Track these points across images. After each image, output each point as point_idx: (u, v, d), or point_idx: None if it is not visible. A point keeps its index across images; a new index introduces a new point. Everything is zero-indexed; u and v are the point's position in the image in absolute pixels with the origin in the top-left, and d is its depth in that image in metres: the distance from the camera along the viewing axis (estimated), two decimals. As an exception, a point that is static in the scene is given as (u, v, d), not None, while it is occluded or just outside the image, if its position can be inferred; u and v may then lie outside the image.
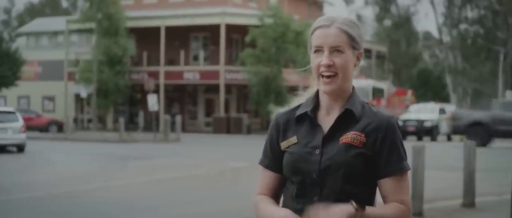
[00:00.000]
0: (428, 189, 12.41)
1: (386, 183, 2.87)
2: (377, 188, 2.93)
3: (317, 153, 2.87)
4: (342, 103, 2.93)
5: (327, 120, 2.93)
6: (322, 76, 2.89)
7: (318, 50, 2.91)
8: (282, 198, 3.04)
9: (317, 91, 2.99)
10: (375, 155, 2.86)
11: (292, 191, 2.91)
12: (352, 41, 2.90)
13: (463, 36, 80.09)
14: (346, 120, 2.90)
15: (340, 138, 2.87)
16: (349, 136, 2.86)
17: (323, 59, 2.87)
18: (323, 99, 2.96)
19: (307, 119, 2.96)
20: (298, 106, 3.03)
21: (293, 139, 2.94)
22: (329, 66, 2.87)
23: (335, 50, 2.87)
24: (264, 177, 3.05)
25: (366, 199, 2.88)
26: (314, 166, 2.85)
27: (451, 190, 14.74)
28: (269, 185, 3.03)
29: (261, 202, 2.99)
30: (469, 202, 12.58)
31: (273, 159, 3.03)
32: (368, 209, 2.77)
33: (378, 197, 2.94)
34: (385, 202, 2.88)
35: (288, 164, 2.93)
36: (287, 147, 2.95)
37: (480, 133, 31.52)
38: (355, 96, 2.95)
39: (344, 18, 2.93)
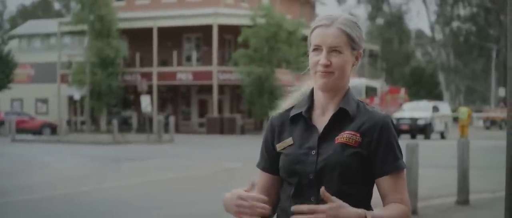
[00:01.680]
0: (422, 187, 12.44)
1: (384, 182, 2.88)
2: (374, 188, 2.94)
3: (313, 153, 2.87)
4: (337, 102, 2.93)
5: (322, 119, 2.93)
6: (319, 73, 2.89)
7: (317, 48, 2.91)
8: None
9: (312, 91, 3.00)
10: (370, 154, 2.86)
11: (289, 191, 2.92)
12: (352, 42, 2.89)
13: (456, 34, 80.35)
14: (340, 119, 2.90)
15: (336, 138, 2.87)
16: (344, 136, 2.86)
17: (321, 58, 2.87)
18: (318, 98, 2.96)
19: (301, 119, 2.96)
20: (292, 107, 3.03)
21: (289, 140, 2.95)
22: (326, 66, 2.86)
23: (334, 50, 2.87)
24: (261, 179, 3.07)
25: (362, 199, 2.88)
26: (311, 167, 2.86)
27: (445, 188, 14.79)
28: (264, 186, 3.04)
29: None
30: (463, 199, 12.62)
31: (269, 161, 3.03)
32: (376, 213, 2.78)
33: (376, 197, 2.94)
34: (384, 202, 2.88)
35: (284, 165, 2.93)
36: (283, 149, 2.95)
37: None
38: (349, 95, 2.95)
39: (345, 18, 2.92)
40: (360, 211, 2.71)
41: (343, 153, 2.83)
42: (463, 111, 42.60)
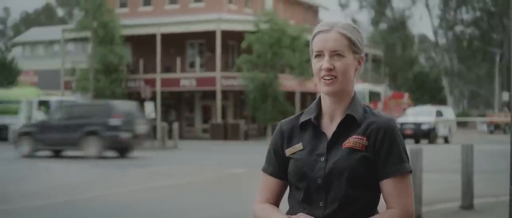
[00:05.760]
0: (426, 192, 12.45)
1: (386, 185, 2.90)
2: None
3: (322, 160, 2.90)
4: (344, 108, 2.96)
5: (330, 126, 2.97)
6: (323, 78, 2.92)
7: (319, 54, 2.94)
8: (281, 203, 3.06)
9: (319, 99, 3.02)
10: (375, 156, 2.89)
11: (298, 196, 2.94)
12: (353, 45, 2.93)
13: (459, 38, 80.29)
14: (348, 125, 2.93)
15: (343, 143, 2.90)
16: (351, 140, 2.89)
17: (324, 63, 2.90)
18: (325, 105, 2.99)
19: (310, 126, 2.99)
20: (301, 114, 3.06)
21: (299, 146, 2.97)
22: (329, 70, 2.90)
23: (336, 54, 2.91)
24: (267, 184, 3.08)
25: (369, 203, 2.90)
26: (320, 172, 2.88)
27: (449, 192, 14.77)
28: (273, 192, 3.07)
29: (265, 210, 3.02)
30: (467, 204, 12.61)
31: (277, 165, 3.05)
32: None
33: (382, 201, 2.96)
34: (387, 205, 2.90)
35: (293, 170, 2.96)
36: (293, 154, 2.98)
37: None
38: (356, 100, 2.99)
39: (344, 23, 2.97)
40: None
41: (350, 157, 2.86)
42: None
